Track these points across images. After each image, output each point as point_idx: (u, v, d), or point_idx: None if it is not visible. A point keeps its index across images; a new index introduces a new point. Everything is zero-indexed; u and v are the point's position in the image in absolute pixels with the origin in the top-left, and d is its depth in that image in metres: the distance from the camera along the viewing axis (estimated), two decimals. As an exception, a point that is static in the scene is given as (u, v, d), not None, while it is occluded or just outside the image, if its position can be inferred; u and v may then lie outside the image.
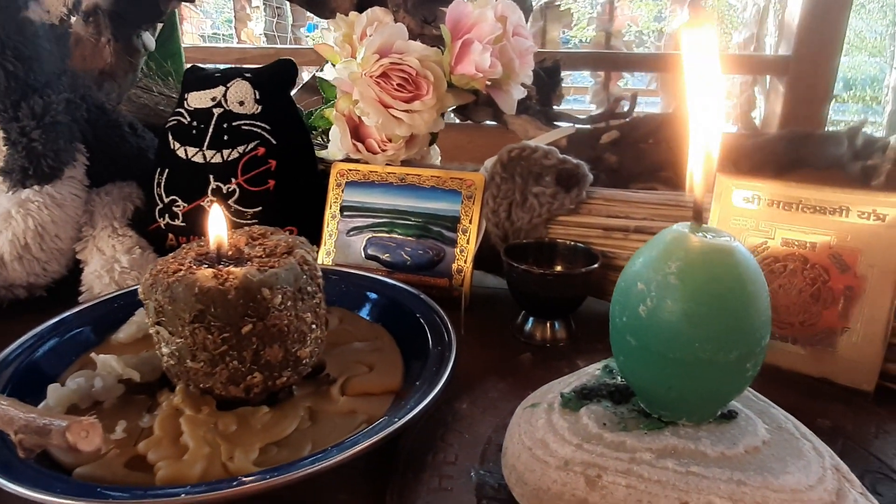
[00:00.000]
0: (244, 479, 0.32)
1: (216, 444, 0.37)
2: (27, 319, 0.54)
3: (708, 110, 0.28)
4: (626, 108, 0.73)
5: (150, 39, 0.79)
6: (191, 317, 0.38)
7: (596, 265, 0.52)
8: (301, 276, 0.42)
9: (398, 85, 0.62)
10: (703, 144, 0.28)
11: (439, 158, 0.81)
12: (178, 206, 0.63)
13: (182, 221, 0.63)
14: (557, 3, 2.49)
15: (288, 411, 0.41)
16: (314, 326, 0.43)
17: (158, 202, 0.64)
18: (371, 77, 0.61)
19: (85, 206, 0.62)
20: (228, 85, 0.64)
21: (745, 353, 0.28)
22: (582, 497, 0.29)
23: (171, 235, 0.64)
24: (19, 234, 0.57)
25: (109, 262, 0.58)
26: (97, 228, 0.61)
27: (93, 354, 0.45)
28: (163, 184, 0.64)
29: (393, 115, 0.62)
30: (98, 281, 0.58)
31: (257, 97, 0.64)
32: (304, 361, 0.43)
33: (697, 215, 0.29)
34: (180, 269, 0.40)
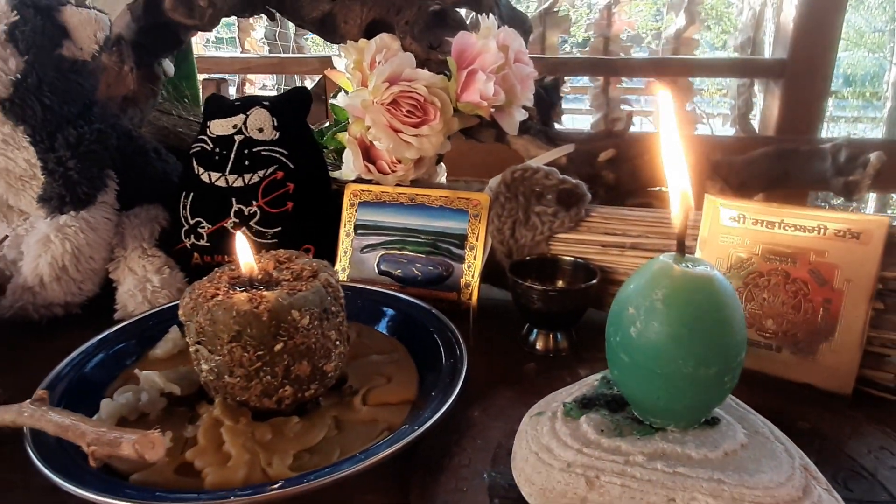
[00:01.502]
0: (285, 482, 0.36)
1: (255, 452, 0.41)
2: (65, 336, 0.59)
3: (678, 167, 0.32)
4: (622, 128, 0.77)
5: (169, 66, 0.84)
6: (229, 337, 0.43)
7: (594, 281, 0.56)
8: (326, 297, 0.46)
9: (407, 111, 0.66)
10: (679, 192, 0.32)
11: (445, 175, 0.85)
12: (203, 227, 0.68)
13: (207, 241, 0.68)
14: (556, 10, 2.52)
15: (316, 421, 0.45)
16: (338, 343, 0.47)
17: (184, 223, 0.68)
18: (382, 104, 0.66)
19: (115, 229, 0.67)
20: (248, 113, 0.68)
21: (723, 369, 0.32)
22: (583, 495, 0.33)
23: (196, 255, 0.68)
24: (58, 256, 0.61)
25: (141, 281, 0.63)
26: (128, 249, 0.66)
27: (136, 370, 0.49)
28: (188, 206, 0.68)
29: (403, 140, 0.67)
30: (132, 300, 0.62)
31: (275, 124, 0.68)
32: (329, 375, 0.47)
33: (680, 248, 0.33)
34: (218, 294, 0.44)
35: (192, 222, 0.68)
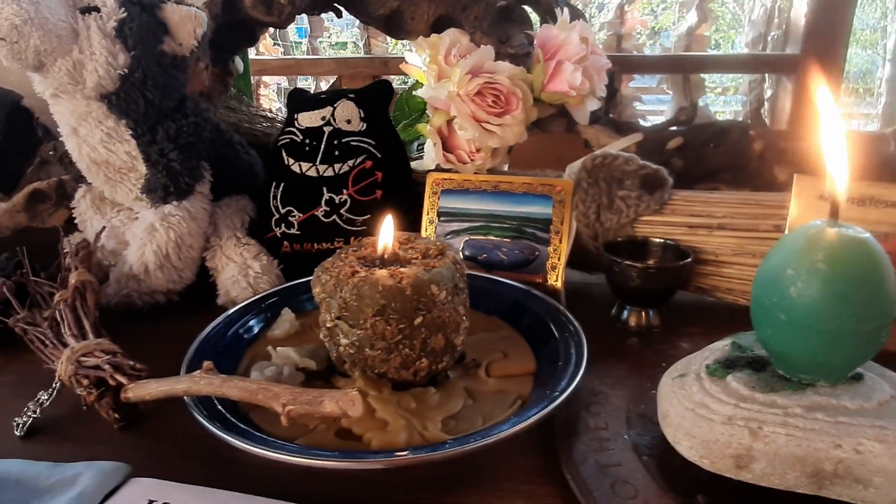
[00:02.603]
0: (453, 441, 0.39)
1: (407, 418, 0.43)
2: (167, 322, 0.62)
3: (838, 147, 0.36)
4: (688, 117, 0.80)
5: (240, 63, 0.86)
6: (373, 311, 0.45)
7: (689, 259, 0.59)
8: (455, 273, 0.48)
9: (491, 102, 0.68)
10: (836, 169, 0.35)
11: (507, 166, 0.88)
12: (294, 216, 0.70)
13: (297, 230, 0.70)
14: (570, 8, 2.55)
15: (451, 391, 0.47)
16: (464, 317, 0.50)
17: (275, 213, 0.70)
18: (468, 95, 0.68)
19: (210, 219, 0.68)
20: (335, 105, 0.71)
21: (881, 324, 0.34)
22: (748, 445, 0.35)
23: (286, 243, 0.70)
24: (162, 245, 0.63)
25: (242, 268, 0.65)
26: (222, 238, 0.67)
27: (269, 348, 0.51)
28: (279, 196, 0.70)
29: (486, 129, 0.69)
30: (235, 286, 0.64)
31: (362, 115, 0.70)
32: (458, 348, 0.49)
33: (834, 214, 0.36)
34: (358, 271, 0.46)
35: (283, 211, 0.70)
